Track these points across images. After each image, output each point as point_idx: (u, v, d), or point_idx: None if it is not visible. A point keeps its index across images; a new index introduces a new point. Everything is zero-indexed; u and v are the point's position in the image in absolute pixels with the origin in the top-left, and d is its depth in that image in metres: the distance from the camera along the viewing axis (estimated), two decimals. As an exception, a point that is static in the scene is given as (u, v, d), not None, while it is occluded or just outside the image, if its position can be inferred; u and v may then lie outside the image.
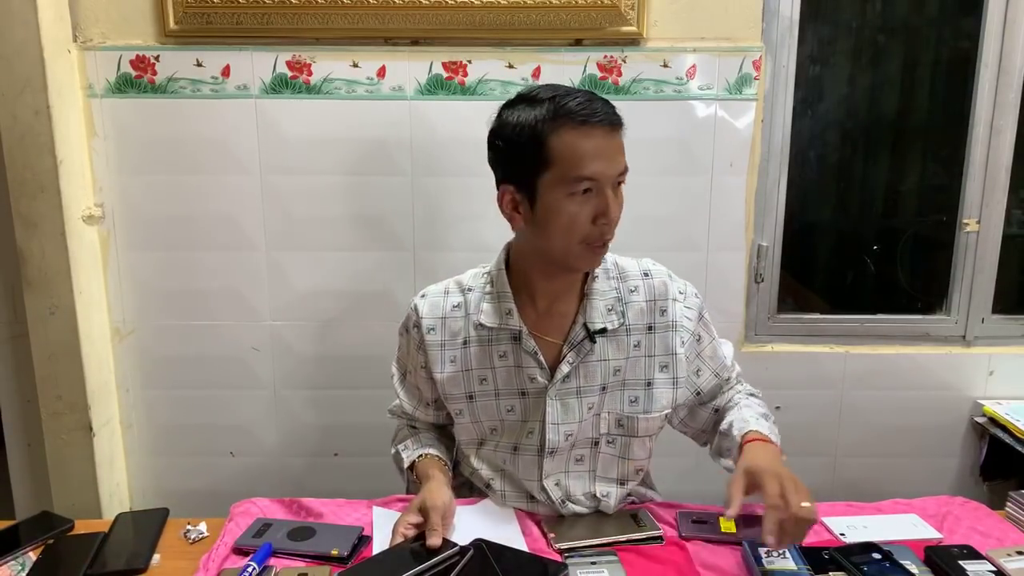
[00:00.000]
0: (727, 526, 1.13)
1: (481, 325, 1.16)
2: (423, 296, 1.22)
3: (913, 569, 1.00)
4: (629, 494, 1.24)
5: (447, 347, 1.18)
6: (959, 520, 1.16)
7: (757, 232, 1.74)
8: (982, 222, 1.77)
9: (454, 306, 1.19)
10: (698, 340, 1.20)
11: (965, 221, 1.78)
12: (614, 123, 1.04)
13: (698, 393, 1.22)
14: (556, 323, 1.15)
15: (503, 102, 1.12)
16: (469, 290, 1.19)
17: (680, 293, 1.18)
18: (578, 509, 1.17)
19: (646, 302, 1.17)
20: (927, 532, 1.13)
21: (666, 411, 1.18)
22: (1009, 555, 1.04)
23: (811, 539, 1.11)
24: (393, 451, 1.30)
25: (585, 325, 1.13)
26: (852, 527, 1.14)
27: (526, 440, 1.17)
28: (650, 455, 1.23)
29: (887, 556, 1.02)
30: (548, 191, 1.04)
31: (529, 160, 1.04)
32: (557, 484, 1.17)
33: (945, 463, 1.83)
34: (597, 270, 1.16)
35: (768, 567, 1.01)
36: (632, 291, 1.17)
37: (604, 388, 1.15)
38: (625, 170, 1.06)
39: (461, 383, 1.18)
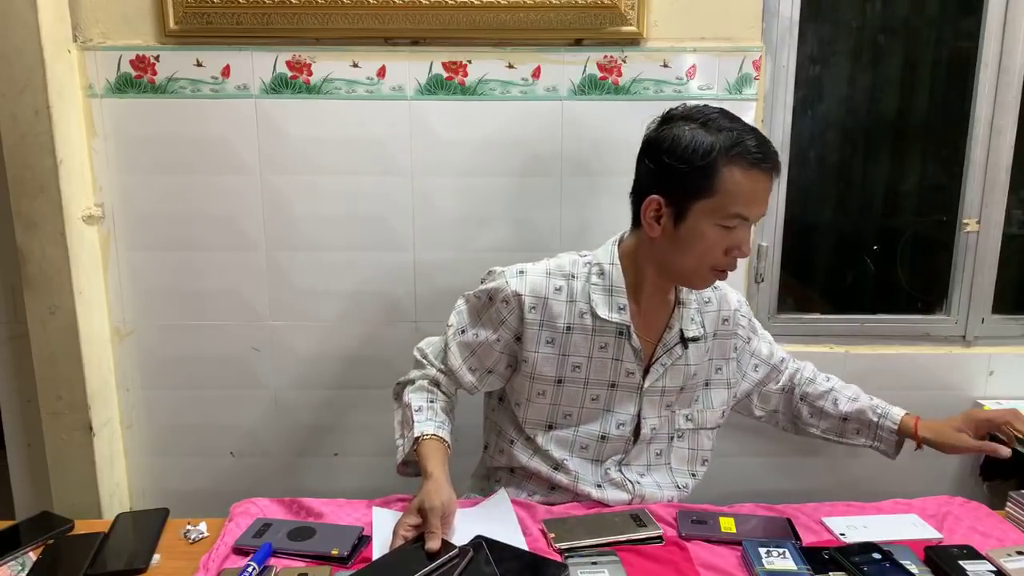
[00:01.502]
0: (727, 526, 1.13)
1: (590, 314, 1.20)
2: (521, 273, 1.22)
3: (913, 569, 1.01)
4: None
5: (545, 327, 1.21)
6: (959, 520, 1.16)
7: (757, 232, 1.74)
8: (982, 222, 1.77)
9: (556, 289, 1.21)
10: (749, 341, 1.36)
11: (965, 221, 1.78)
12: (776, 170, 1.12)
13: (757, 384, 1.38)
14: (651, 324, 1.24)
15: (666, 110, 1.16)
16: (573, 277, 1.22)
17: (738, 302, 1.34)
18: (647, 493, 1.25)
19: (716, 312, 1.30)
20: (927, 532, 1.13)
21: (724, 407, 1.33)
22: (1009, 555, 1.04)
23: (811, 539, 1.11)
24: (405, 400, 1.26)
25: (681, 331, 1.24)
26: (852, 527, 1.14)
27: (616, 432, 1.25)
28: (712, 447, 1.34)
29: (887, 556, 1.02)
30: (700, 216, 1.11)
31: (694, 182, 1.09)
32: (641, 476, 1.27)
33: (945, 463, 1.82)
34: None
35: (768, 567, 1.01)
36: (707, 302, 1.29)
37: (682, 389, 1.27)
38: (765, 212, 1.15)
39: (555, 366, 1.22)
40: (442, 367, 1.28)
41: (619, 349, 1.22)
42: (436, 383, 1.28)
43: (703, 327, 1.27)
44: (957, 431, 1.25)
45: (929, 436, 1.27)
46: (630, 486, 1.25)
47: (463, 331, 1.27)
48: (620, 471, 1.27)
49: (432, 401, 1.25)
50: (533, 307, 1.21)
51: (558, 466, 1.25)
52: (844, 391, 1.37)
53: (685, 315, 1.25)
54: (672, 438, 1.30)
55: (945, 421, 1.28)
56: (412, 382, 1.29)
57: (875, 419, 1.32)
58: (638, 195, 1.18)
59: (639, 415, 1.25)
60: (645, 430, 1.26)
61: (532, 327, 1.21)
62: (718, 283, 1.26)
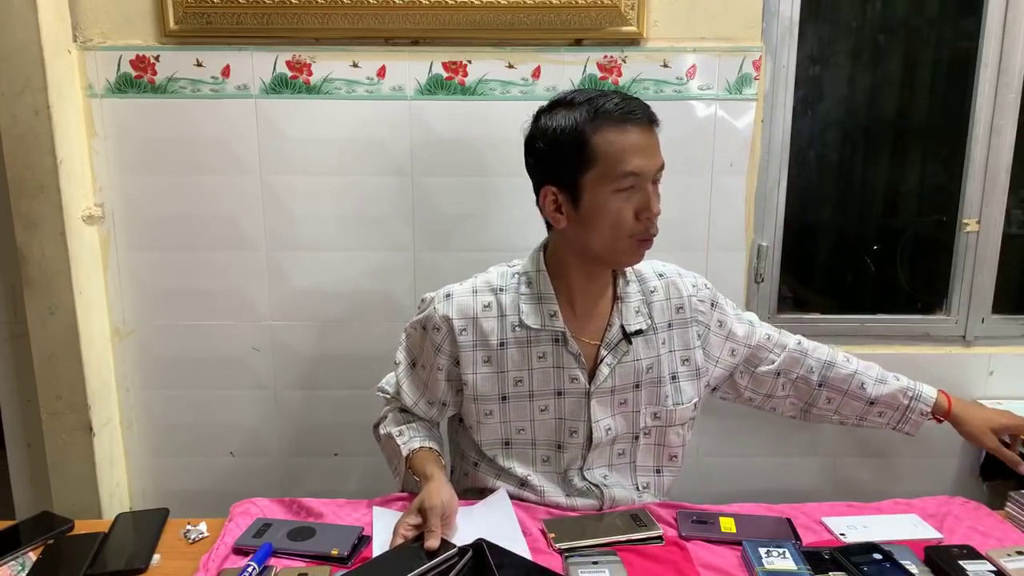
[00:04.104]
0: (727, 526, 1.13)
1: (522, 326, 1.19)
2: (448, 296, 1.21)
3: (913, 569, 1.01)
4: (669, 490, 1.31)
5: (479, 347, 1.20)
6: (959, 520, 1.16)
7: (757, 232, 1.74)
8: (982, 222, 1.77)
9: (484, 306, 1.20)
10: (720, 325, 1.29)
11: (965, 221, 1.78)
12: (651, 120, 1.12)
13: (739, 367, 1.31)
14: (592, 325, 1.21)
15: (540, 106, 1.17)
16: (501, 290, 1.21)
17: (693, 287, 1.27)
18: (617, 495, 1.23)
19: (664, 301, 1.25)
20: (927, 532, 1.13)
21: (695, 400, 1.27)
22: (1009, 555, 1.04)
23: (811, 539, 1.11)
24: (384, 432, 1.27)
25: (622, 327, 1.20)
26: (852, 527, 1.14)
27: (570, 440, 1.23)
28: (684, 443, 1.30)
29: (887, 556, 1.02)
30: (592, 188, 1.10)
31: (573, 159, 1.09)
32: (604, 477, 1.24)
33: (945, 463, 1.83)
34: (628, 272, 1.23)
35: (768, 567, 1.01)
36: (652, 291, 1.25)
37: (638, 386, 1.23)
38: (662, 166, 1.13)
39: (496, 384, 1.21)
40: (400, 405, 1.30)
41: (558, 356, 1.19)
42: (403, 410, 1.30)
43: (650, 318, 1.22)
44: (992, 430, 1.28)
45: (960, 418, 1.30)
46: (597, 491, 1.22)
47: (412, 365, 1.28)
48: (584, 478, 1.23)
49: (409, 422, 1.26)
50: (464, 329, 1.19)
51: (523, 483, 1.24)
52: (868, 372, 1.33)
53: (625, 309, 1.21)
54: (637, 436, 1.25)
55: (981, 412, 1.30)
56: (384, 417, 1.31)
57: (906, 402, 1.31)
58: (536, 196, 1.18)
59: (589, 419, 1.21)
60: (598, 433, 1.21)
61: (467, 349, 1.20)
62: (662, 271, 1.27)
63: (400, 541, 1.04)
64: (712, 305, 1.28)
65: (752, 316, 1.35)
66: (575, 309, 1.20)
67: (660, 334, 1.23)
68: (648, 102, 1.61)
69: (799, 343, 1.34)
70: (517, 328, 1.19)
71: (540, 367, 1.20)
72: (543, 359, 1.20)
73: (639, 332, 1.21)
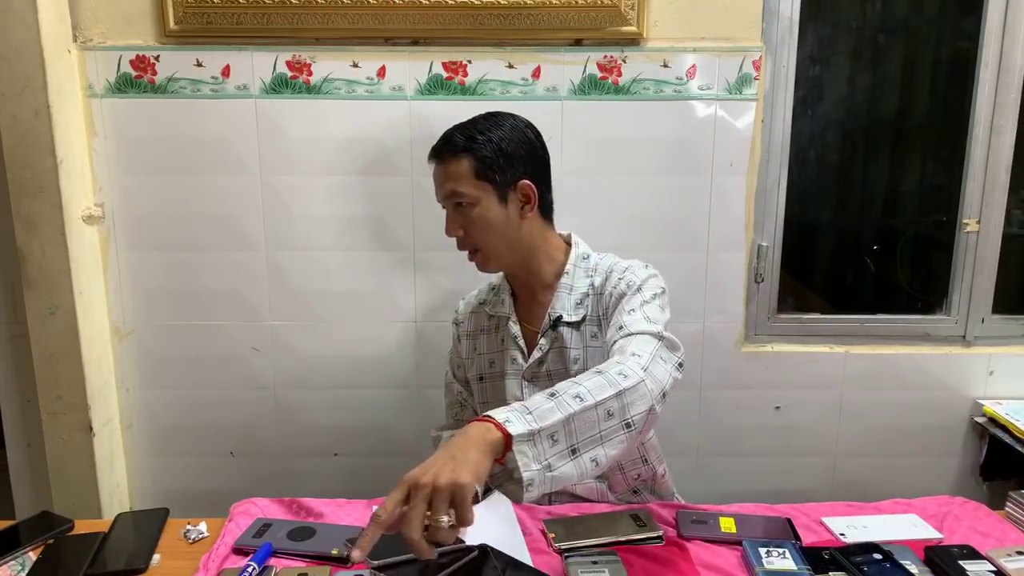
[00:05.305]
0: (727, 526, 1.13)
1: (488, 315, 1.34)
2: (463, 298, 1.42)
3: (913, 569, 1.00)
4: (623, 469, 1.29)
5: (471, 335, 1.37)
6: (959, 520, 1.16)
7: (757, 232, 1.74)
8: (982, 222, 1.77)
9: (481, 303, 1.38)
10: (616, 313, 1.17)
11: (965, 221, 1.78)
12: (436, 154, 1.24)
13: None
14: (539, 312, 1.28)
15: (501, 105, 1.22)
16: (493, 288, 1.37)
17: (624, 270, 1.22)
18: (590, 483, 1.26)
19: (599, 295, 1.25)
20: (927, 532, 1.13)
21: None
22: (1009, 555, 1.04)
23: (811, 539, 1.11)
24: (433, 435, 1.38)
25: (549, 314, 1.26)
26: (852, 527, 1.14)
27: None
28: None
29: (887, 556, 1.02)
30: None
31: None
32: None
33: (945, 463, 1.83)
34: (568, 266, 1.26)
35: (768, 567, 1.01)
36: (593, 285, 1.26)
37: (569, 374, 1.24)
38: (451, 195, 1.21)
39: (475, 366, 1.35)
40: (450, 412, 1.40)
41: (509, 340, 1.30)
42: (463, 404, 1.39)
43: (587, 309, 1.24)
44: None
45: None
46: None
47: (454, 371, 1.41)
48: None
49: (459, 425, 1.31)
50: (461, 321, 1.39)
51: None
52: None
53: (557, 299, 1.26)
54: None
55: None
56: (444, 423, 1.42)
57: None
58: None
59: (522, 399, 1.15)
60: None
61: (463, 338, 1.38)
62: (613, 267, 1.23)
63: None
64: (620, 284, 1.20)
65: (641, 315, 1.13)
66: (521, 297, 1.31)
67: (591, 327, 1.25)
68: (648, 102, 1.63)
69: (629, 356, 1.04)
70: (492, 317, 1.34)
71: (501, 350, 1.31)
72: (504, 342, 1.31)
73: (560, 319, 1.24)
